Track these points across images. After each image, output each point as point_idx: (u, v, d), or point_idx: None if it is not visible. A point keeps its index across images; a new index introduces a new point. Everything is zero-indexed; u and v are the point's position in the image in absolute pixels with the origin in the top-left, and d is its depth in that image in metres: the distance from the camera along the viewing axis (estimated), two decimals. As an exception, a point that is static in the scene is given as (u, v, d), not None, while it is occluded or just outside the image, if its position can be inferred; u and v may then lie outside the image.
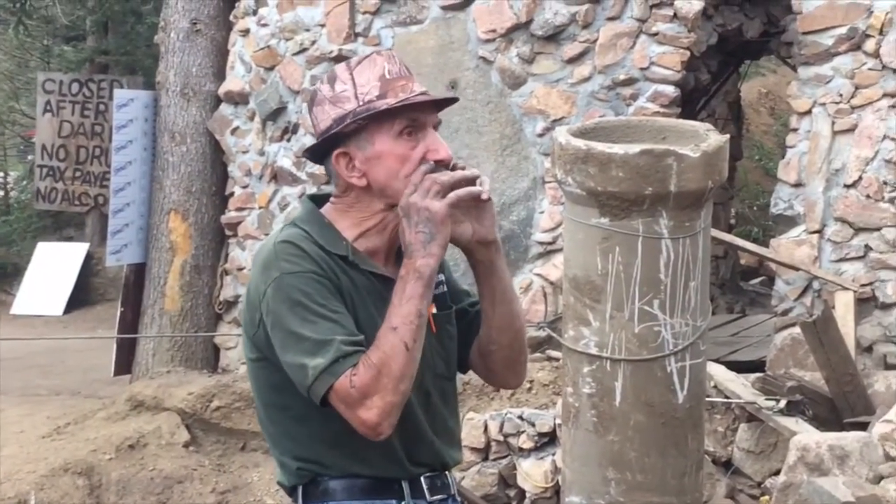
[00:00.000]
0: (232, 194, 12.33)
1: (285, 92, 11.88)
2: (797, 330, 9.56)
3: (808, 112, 10.26)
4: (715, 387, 9.25)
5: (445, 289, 3.24)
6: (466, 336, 3.25)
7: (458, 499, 3.22)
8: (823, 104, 10.19)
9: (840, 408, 8.95)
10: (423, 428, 3.11)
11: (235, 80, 12.22)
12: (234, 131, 12.24)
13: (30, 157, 20.35)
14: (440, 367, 3.18)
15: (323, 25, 11.64)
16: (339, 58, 11.47)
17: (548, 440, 9.14)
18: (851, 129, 10.10)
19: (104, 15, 19.85)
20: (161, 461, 10.65)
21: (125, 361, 12.55)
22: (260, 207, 12.11)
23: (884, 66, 10.01)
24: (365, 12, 11.44)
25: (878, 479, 6.43)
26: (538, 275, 10.72)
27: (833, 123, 10.15)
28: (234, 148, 12.24)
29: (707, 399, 8.94)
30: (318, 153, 3.13)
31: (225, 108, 12.31)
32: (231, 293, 12.26)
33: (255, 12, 12.09)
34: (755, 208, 18.93)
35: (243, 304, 3.13)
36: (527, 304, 10.51)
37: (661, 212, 4.07)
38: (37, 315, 17.48)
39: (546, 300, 10.68)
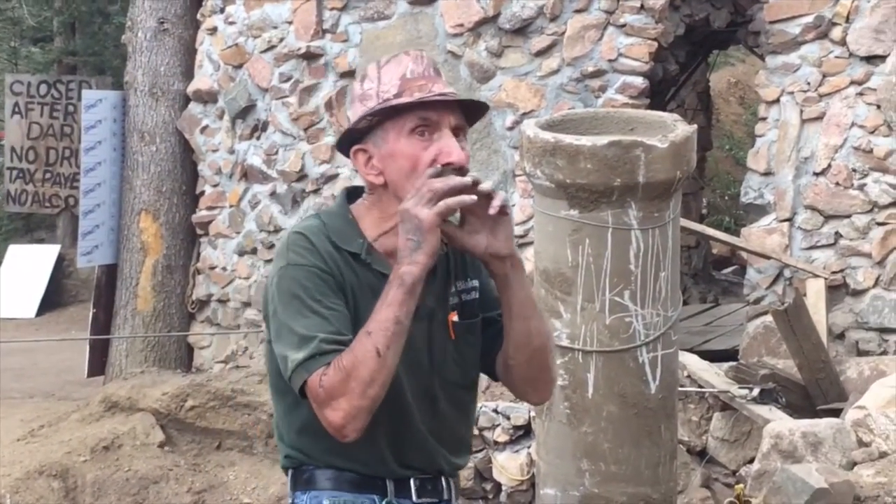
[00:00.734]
0: (202, 193, 12.30)
1: (254, 90, 11.86)
2: (769, 318, 9.60)
3: (777, 101, 10.29)
4: (688, 376, 9.27)
5: (477, 295, 3.20)
6: (492, 345, 3.18)
7: None
8: (791, 93, 10.22)
9: (813, 395, 8.99)
10: (419, 432, 3.08)
11: (204, 78, 12.19)
12: (203, 130, 12.21)
13: (-1, 160, 20.26)
14: (455, 375, 3.14)
15: (290, 22, 11.62)
16: (308, 55, 11.47)
17: (523, 433, 9.15)
18: (820, 117, 10.13)
19: (71, 16, 19.77)
20: (136, 462, 10.62)
21: (98, 363, 12.52)
22: (231, 206, 12.08)
23: (851, 54, 10.05)
24: (332, 8, 11.42)
25: (852, 465, 6.46)
26: (510, 268, 10.71)
27: (801, 112, 10.18)
28: (204, 147, 12.22)
29: (680, 389, 8.98)
30: (343, 149, 3.15)
31: (194, 107, 12.28)
32: (203, 292, 12.23)
33: (222, 10, 12.06)
34: (726, 198, 18.97)
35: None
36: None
37: (630, 203, 4.08)
38: (8, 318, 17.39)
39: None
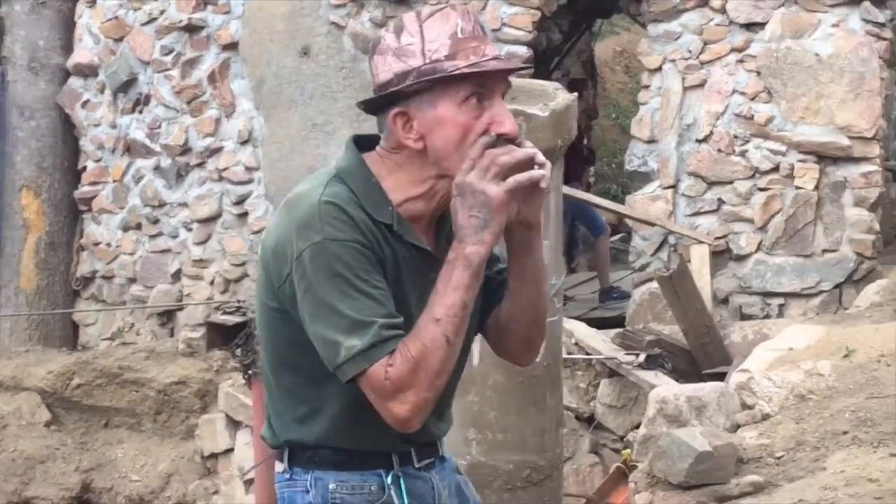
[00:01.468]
0: (84, 168, 12.12)
1: (135, 63, 11.71)
2: (655, 285, 9.70)
3: (659, 69, 10.38)
4: (576, 343, 9.35)
5: None
6: (487, 304, 3.02)
7: (447, 456, 3.07)
8: (673, 60, 10.31)
9: (698, 359, 9.11)
10: None
11: (84, 52, 12.00)
12: (84, 104, 12.03)
13: None
14: None
15: (172, -6, 11.50)
16: (189, 27, 11.35)
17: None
18: (701, 85, 10.24)
19: (-54, -11, 19.38)
20: (22, 442, 10.50)
21: (-19, 342, 12.32)
22: (114, 181, 11.92)
23: (731, 22, 10.16)
24: (214, -21, 11.32)
25: (735, 427, 6.54)
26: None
27: (683, 79, 10.28)
28: (86, 121, 12.03)
29: (568, 356, 9.06)
30: (374, 106, 2.86)
31: (74, 81, 12.09)
32: (88, 269, 12.07)
33: (101, -17, 11.89)
34: (613, 166, 19.08)
35: (267, 251, 2.85)
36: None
37: (510, 172, 4.10)
38: None
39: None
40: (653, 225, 10.32)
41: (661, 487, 5.69)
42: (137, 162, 11.80)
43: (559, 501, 5.53)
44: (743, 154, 10.13)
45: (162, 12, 11.54)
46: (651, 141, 10.41)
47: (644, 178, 10.49)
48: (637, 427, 7.89)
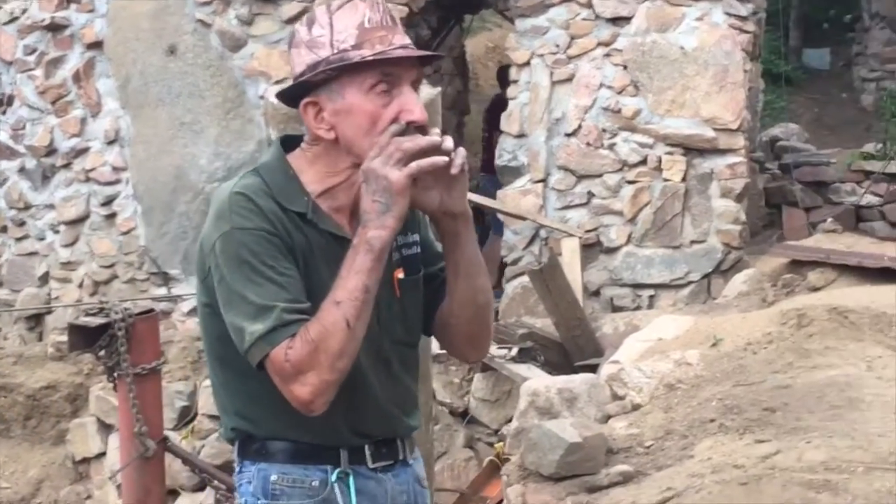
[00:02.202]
0: (-52, 171, 11.88)
1: (-2, 63, 11.51)
2: (527, 278, 9.74)
3: (527, 63, 10.44)
4: (449, 339, 9.34)
5: (419, 250, 3.06)
6: (432, 301, 3.06)
7: (411, 462, 3.06)
8: (541, 55, 10.37)
9: (571, 352, 9.16)
10: (375, 398, 2.95)
11: (-56, 52, 11.76)
12: (-55, 106, 11.79)
13: None
14: (400, 333, 3.01)
15: (34, -7, 11.30)
16: (53, 26, 11.16)
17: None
18: (569, 79, 10.31)
19: None
20: None
21: None
22: (-22, 183, 11.70)
23: (597, 16, 10.24)
24: (77, -22, 11.14)
25: (606, 418, 6.58)
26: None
27: (551, 74, 10.34)
28: (-52, 123, 11.79)
29: (441, 352, 9.06)
30: (290, 97, 2.91)
31: (-65, 82, 11.84)
32: (-46, 274, 11.84)
33: (-40, -18, 11.65)
34: (486, 161, 19.15)
35: (198, 248, 2.92)
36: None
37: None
38: None
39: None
40: (524, 219, 10.37)
41: (532, 480, 5.70)
42: (2, 164, 11.59)
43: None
44: (611, 147, 10.22)
45: (24, 11, 11.34)
46: (520, 135, 10.46)
47: (514, 172, 10.53)
48: (510, 420, 7.92)
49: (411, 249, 3.04)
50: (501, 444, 7.45)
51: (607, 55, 10.23)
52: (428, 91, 4.84)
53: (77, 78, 11.19)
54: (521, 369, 8.78)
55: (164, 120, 10.94)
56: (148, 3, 10.93)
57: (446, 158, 2.77)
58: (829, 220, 10.50)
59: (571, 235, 10.13)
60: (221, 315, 2.82)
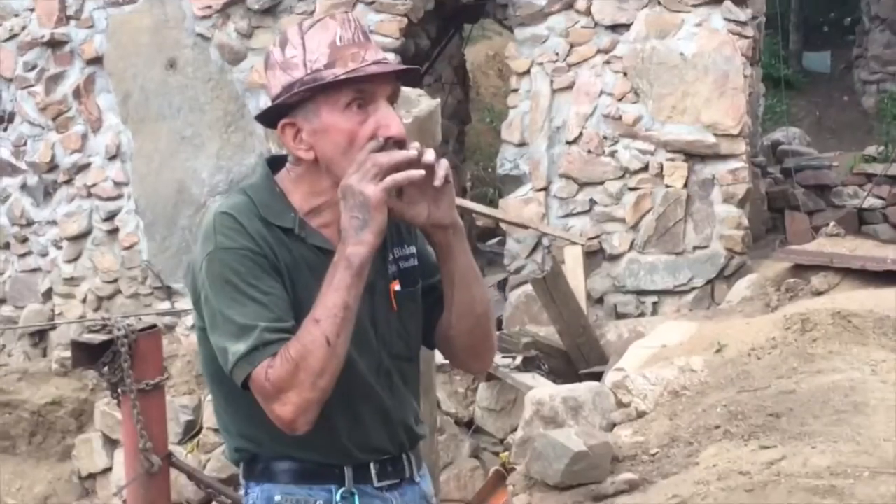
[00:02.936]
0: (-50, 189, 11.89)
1: (-2, 80, 11.53)
2: (530, 287, 9.73)
3: (527, 72, 10.44)
4: (453, 349, 9.33)
5: (416, 262, 3.03)
6: (432, 313, 3.03)
7: (418, 480, 3.01)
8: (541, 63, 10.37)
9: (575, 360, 9.15)
10: (379, 412, 2.93)
11: (-55, 70, 11.77)
12: (-53, 123, 11.80)
13: None
14: (398, 347, 2.98)
15: (33, 10, 11.30)
16: (52, 42, 11.17)
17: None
18: (570, 87, 10.31)
19: None
20: None
21: None
22: (-20, 201, 11.71)
23: (596, 24, 10.23)
24: (76, -6, 11.16)
25: (612, 426, 6.58)
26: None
27: (552, 82, 10.34)
28: (-51, 141, 11.80)
29: (444, 362, 9.05)
30: (266, 119, 2.88)
31: (-64, 100, 11.85)
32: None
33: (-41, -1, 11.66)
34: (490, 170, 19.15)
35: (190, 269, 2.90)
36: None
37: (376, 179, 4.08)
38: None
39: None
40: (526, 227, 10.36)
41: (538, 489, 5.70)
42: (3, 180, 11.59)
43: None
44: (612, 154, 10.21)
45: (24, 28, 11.35)
46: (522, 144, 10.46)
47: (516, 181, 10.53)
48: (516, 429, 7.91)
49: (408, 262, 3.02)
50: (507, 453, 7.44)
51: (607, 62, 10.22)
52: (428, 102, 4.84)
53: (77, 94, 11.20)
54: (526, 378, 8.77)
55: (165, 134, 10.94)
56: (147, 17, 10.94)
57: (423, 172, 2.74)
58: (832, 223, 10.49)
59: (574, 243, 10.12)
60: None
